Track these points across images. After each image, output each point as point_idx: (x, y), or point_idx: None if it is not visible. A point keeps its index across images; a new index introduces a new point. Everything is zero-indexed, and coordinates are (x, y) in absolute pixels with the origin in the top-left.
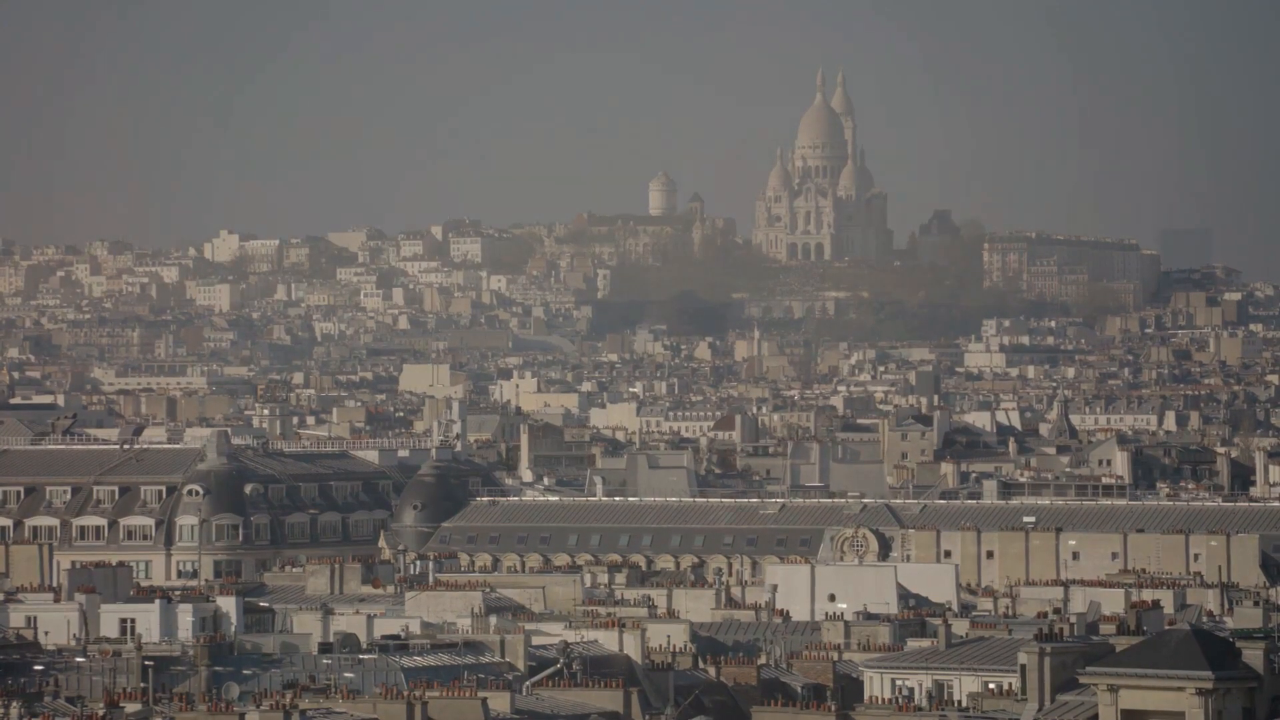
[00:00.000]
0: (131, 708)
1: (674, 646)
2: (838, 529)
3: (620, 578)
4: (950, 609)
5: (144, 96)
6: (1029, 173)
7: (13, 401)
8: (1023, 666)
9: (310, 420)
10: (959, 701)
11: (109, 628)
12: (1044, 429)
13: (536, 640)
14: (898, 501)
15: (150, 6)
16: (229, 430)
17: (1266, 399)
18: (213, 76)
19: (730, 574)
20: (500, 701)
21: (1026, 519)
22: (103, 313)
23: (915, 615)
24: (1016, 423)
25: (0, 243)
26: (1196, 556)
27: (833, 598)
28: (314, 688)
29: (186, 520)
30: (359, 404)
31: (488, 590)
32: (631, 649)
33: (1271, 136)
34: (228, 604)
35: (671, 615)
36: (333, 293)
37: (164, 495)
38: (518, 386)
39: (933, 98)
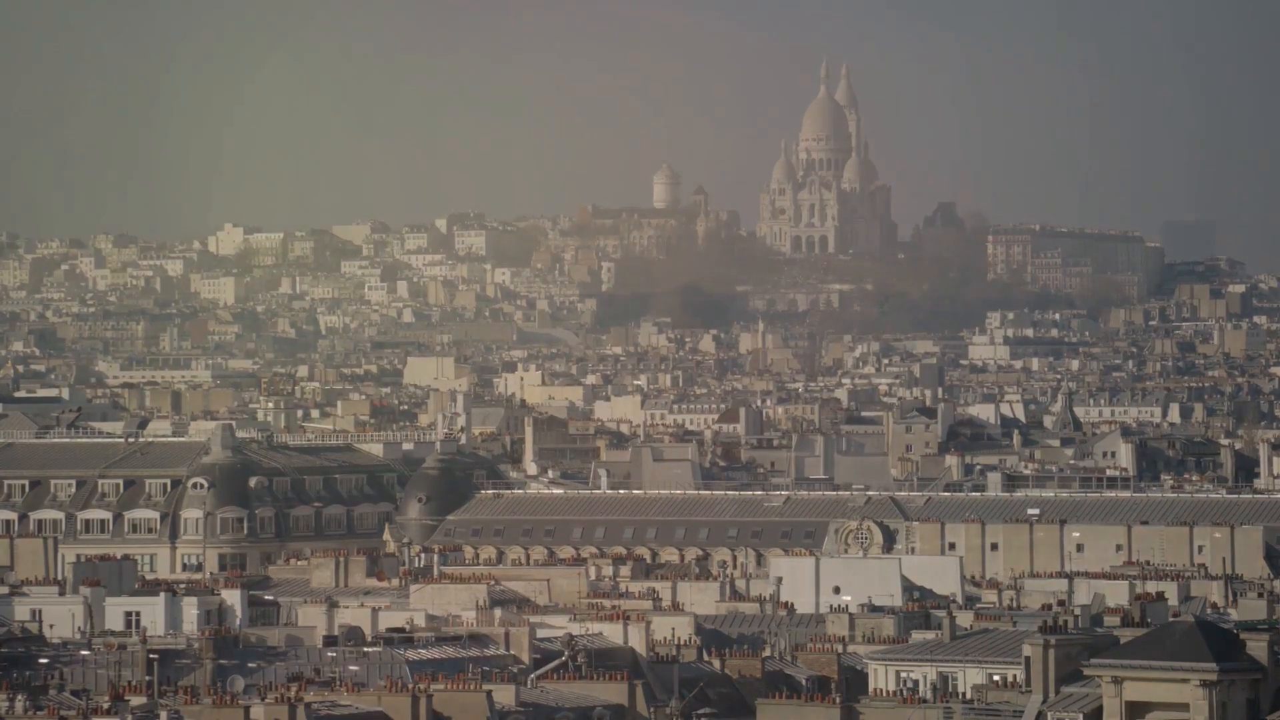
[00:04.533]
0: (136, 701)
1: (679, 639)
2: (842, 521)
3: (625, 570)
4: (955, 601)
5: (148, 89)
6: (1033, 165)
7: (17, 395)
8: (1027, 658)
9: (315, 413)
10: (963, 693)
11: (114, 621)
12: (1048, 421)
13: (541, 633)
14: (902, 494)
15: (155, 2)
16: (233, 423)
17: (1270, 391)
18: (217, 69)
19: (735, 566)
20: (505, 694)
21: (1031, 511)
22: (107, 306)
23: (920, 607)
24: (1021, 415)
25: (4, 236)
26: (1201, 548)
27: (837, 590)
28: (319, 680)
29: (191, 513)
30: (363, 397)
31: (492, 583)
32: (636, 641)
33: (1275, 129)
34: (232, 597)
35: (676, 608)
36: (337, 286)
37: (169, 488)
38: (522, 379)
39: (937, 90)
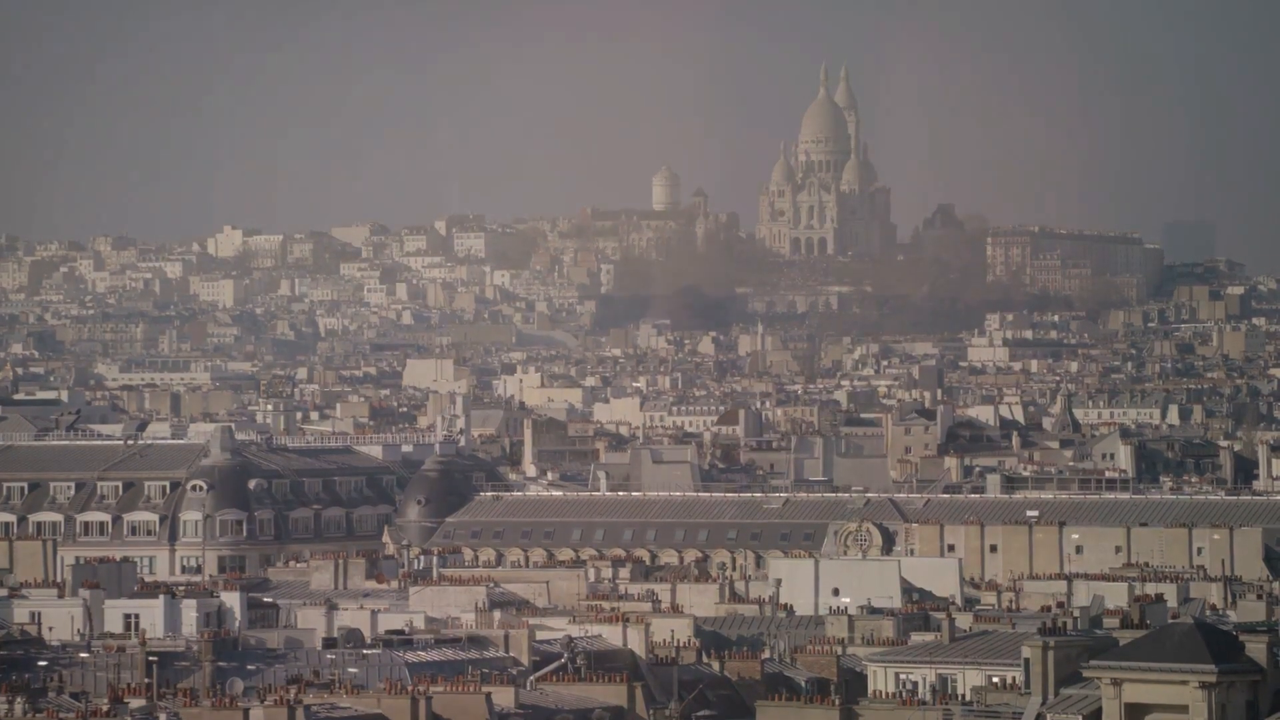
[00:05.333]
0: (135, 703)
1: (678, 641)
2: (841, 523)
3: (624, 572)
4: (954, 603)
5: (147, 92)
6: (1032, 166)
7: (16, 397)
8: (1026, 660)
9: (314, 415)
10: (963, 695)
11: (113, 623)
12: (1047, 423)
13: (540, 635)
14: (901, 496)
15: (153, 2)
16: (233, 426)
17: (1269, 393)
18: (216, 71)
19: (734, 568)
20: (504, 696)
21: (1030, 513)
22: (106, 308)
23: (919, 609)
24: (1020, 417)
25: (4, 238)
26: (1200, 550)
27: (836, 592)
28: (318, 683)
29: (190, 516)
30: (363, 399)
31: (492, 585)
32: (635, 643)
33: (1275, 130)
34: (232, 599)
35: (675, 610)
36: (336, 288)
37: (168, 491)
38: (521, 381)
39: (936, 92)
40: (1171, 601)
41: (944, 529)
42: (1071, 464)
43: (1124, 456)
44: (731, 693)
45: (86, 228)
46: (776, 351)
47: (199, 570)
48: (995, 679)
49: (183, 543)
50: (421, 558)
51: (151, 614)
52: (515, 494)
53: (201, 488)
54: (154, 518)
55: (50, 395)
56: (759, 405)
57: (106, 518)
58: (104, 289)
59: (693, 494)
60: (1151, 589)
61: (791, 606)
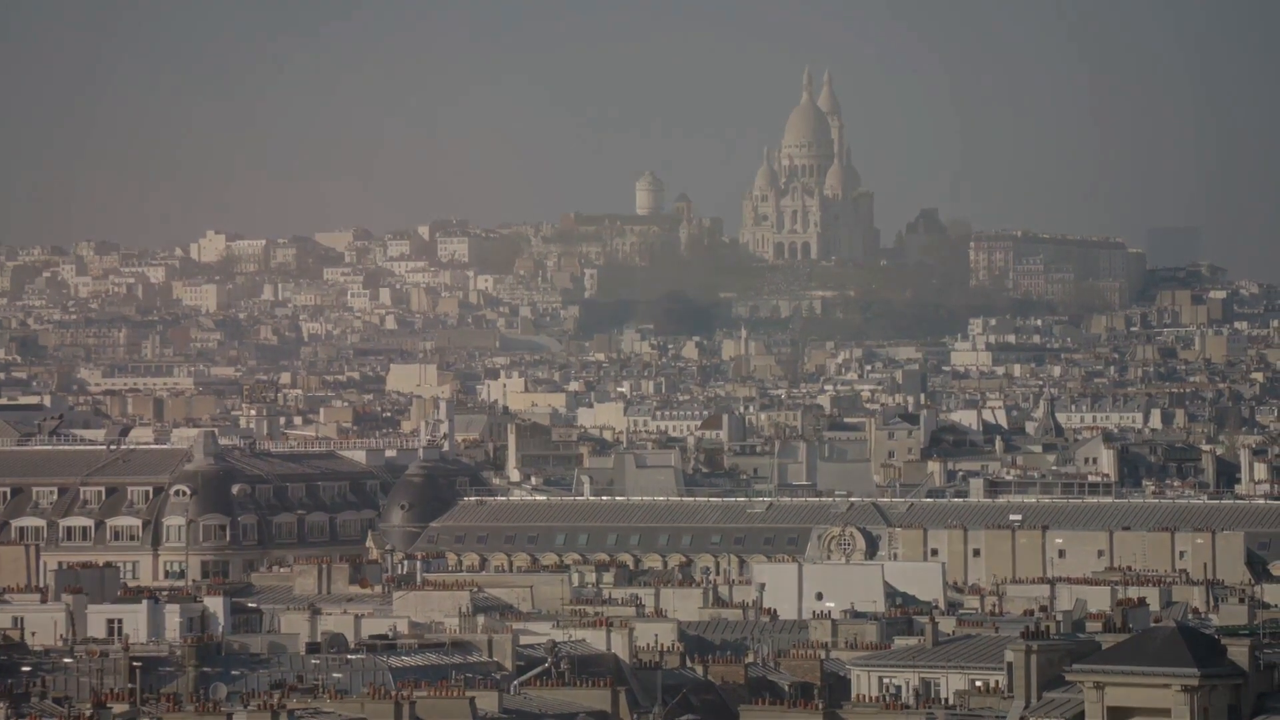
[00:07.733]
0: (119, 708)
1: (661, 645)
2: (825, 528)
3: (608, 577)
4: (937, 607)
5: (131, 97)
6: (1015, 172)
7: None
8: (1009, 664)
9: (297, 420)
10: (946, 699)
11: (96, 628)
12: (1030, 427)
13: (524, 640)
14: (885, 500)
15: (138, 8)
16: (216, 430)
17: (1251, 397)
18: (199, 77)
19: (718, 573)
20: (488, 701)
21: (1013, 517)
22: (89, 313)
23: (902, 613)
24: (1003, 421)
25: None
26: (1182, 554)
27: (820, 596)
28: (301, 688)
29: (173, 521)
30: (346, 404)
31: (475, 590)
32: (619, 648)
33: (1259, 135)
34: (215, 604)
35: (659, 614)
36: (320, 293)
37: (151, 496)
38: (505, 386)
39: (919, 96)
40: (1154, 605)
41: (927, 533)
42: (1054, 468)
43: (1106, 461)
44: (715, 697)
45: (69, 232)
46: (760, 356)
47: (182, 575)
48: (978, 683)
49: (166, 548)
50: (405, 563)
51: (135, 619)
52: (499, 499)
53: (185, 493)
54: (137, 523)
55: (33, 400)
56: (742, 410)
57: (89, 523)
58: (86, 294)
59: (676, 498)
60: (1134, 593)
61: (775, 611)
